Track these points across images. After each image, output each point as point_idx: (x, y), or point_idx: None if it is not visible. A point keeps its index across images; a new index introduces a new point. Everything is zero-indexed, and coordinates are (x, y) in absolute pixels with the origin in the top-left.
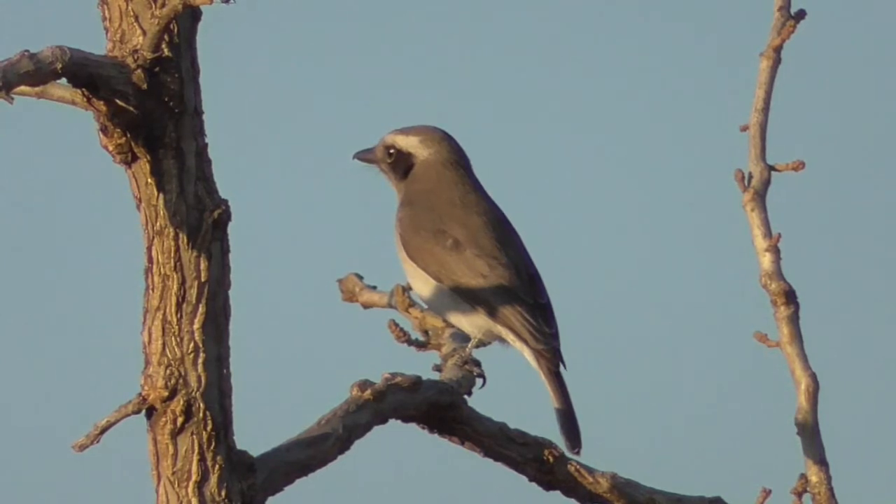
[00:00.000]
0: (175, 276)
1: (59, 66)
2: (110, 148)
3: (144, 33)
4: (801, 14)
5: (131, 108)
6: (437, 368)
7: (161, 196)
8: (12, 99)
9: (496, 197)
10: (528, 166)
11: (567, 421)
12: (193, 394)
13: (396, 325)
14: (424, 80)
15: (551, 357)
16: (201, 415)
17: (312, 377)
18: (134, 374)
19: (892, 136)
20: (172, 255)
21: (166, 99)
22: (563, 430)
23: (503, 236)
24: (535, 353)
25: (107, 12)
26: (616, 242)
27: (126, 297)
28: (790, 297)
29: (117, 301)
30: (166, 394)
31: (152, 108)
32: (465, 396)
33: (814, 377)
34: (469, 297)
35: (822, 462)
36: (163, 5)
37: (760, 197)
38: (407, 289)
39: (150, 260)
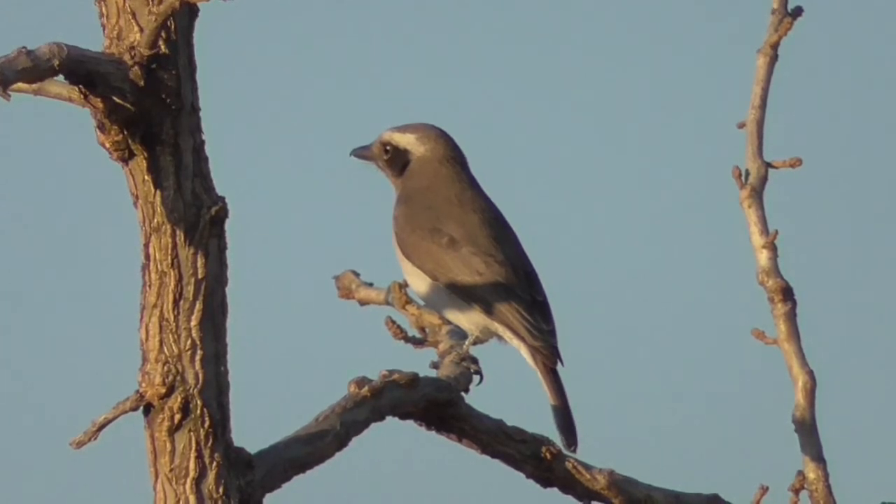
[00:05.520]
0: (172, 273)
1: (56, 62)
2: (107, 145)
3: (142, 30)
4: (797, 11)
5: (128, 105)
6: (435, 366)
7: (158, 193)
8: (9, 96)
9: (492, 194)
10: (525, 163)
11: (563, 418)
12: (191, 391)
13: (394, 322)
14: (423, 77)
15: (548, 354)
16: (199, 412)
17: (310, 374)
18: (131, 371)
19: (890, 133)
20: (170, 251)
21: (163, 96)
22: (560, 427)
23: (499, 233)
24: (532, 349)
25: (104, 9)
26: (613, 239)
27: (123, 294)
28: (787, 293)
29: (114, 298)
30: (164, 391)
31: (149, 105)
32: (463, 393)
33: (811, 374)
34: (465, 295)
35: (819, 459)
36: (160, 2)
37: (757, 194)
38: (404, 286)
39: (147, 257)
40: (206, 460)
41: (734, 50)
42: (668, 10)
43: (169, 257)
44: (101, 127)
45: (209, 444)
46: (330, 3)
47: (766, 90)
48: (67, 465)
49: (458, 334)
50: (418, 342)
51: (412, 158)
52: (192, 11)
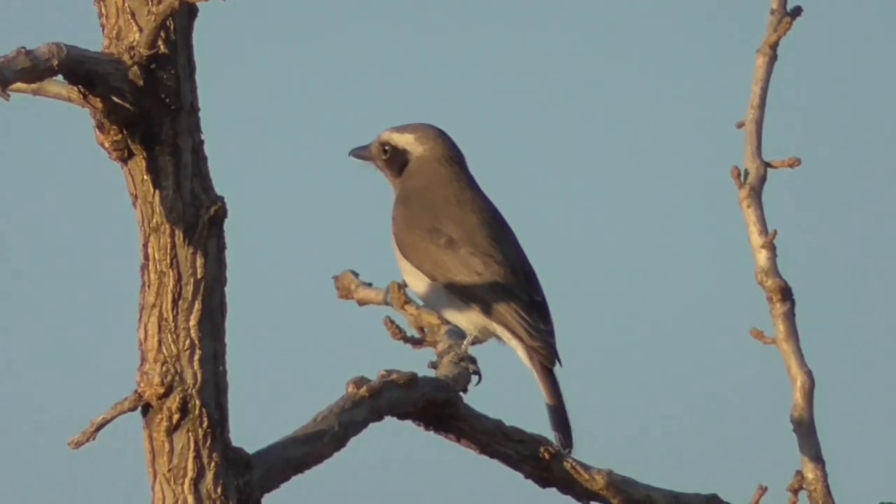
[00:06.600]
0: (171, 273)
1: (55, 62)
2: (106, 145)
3: (141, 30)
4: (796, 11)
5: (128, 105)
6: (433, 365)
7: (157, 193)
8: (9, 96)
9: (491, 194)
10: (524, 163)
11: (559, 418)
12: (189, 391)
13: (392, 322)
14: (423, 77)
15: (546, 354)
16: (197, 412)
17: (308, 374)
18: (130, 371)
19: (889, 132)
20: (169, 251)
21: (163, 96)
22: (556, 428)
23: (498, 234)
24: (529, 349)
25: (103, 9)
26: (612, 239)
27: (122, 294)
28: (786, 293)
29: (113, 298)
30: (162, 391)
31: (149, 105)
32: (462, 393)
33: (810, 374)
34: (464, 295)
35: (818, 459)
36: (159, 2)
37: (756, 194)
38: (403, 286)
39: (146, 257)
40: (205, 460)
41: (733, 50)
42: (667, 10)
43: (168, 257)
44: (100, 127)
45: (207, 444)
46: (330, 3)
47: (765, 90)
48: (66, 466)
49: (457, 334)
50: (417, 342)
51: (411, 158)
52: (192, 11)
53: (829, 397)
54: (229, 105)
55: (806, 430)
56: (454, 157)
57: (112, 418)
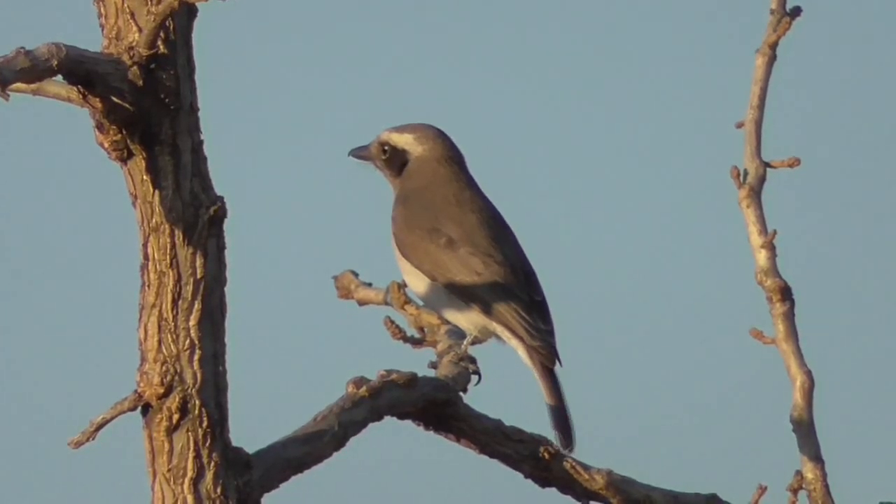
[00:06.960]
0: (171, 273)
1: (55, 62)
2: (106, 145)
3: (140, 30)
4: (796, 11)
5: (127, 105)
6: (433, 365)
7: (157, 193)
8: (8, 96)
9: (491, 194)
10: (524, 163)
11: (560, 418)
12: (189, 391)
13: (392, 321)
14: (422, 77)
15: (546, 354)
16: (197, 412)
17: (308, 374)
18: (130, 371)
19: (888, 132)
20: (168, 251)
21: (162, 96)
22: (556, 427)
23: (498, 234)
24: (530, 349)
25: (103, 9)
26: (612, 240)
27: (122, 294)
28: (786, 293)
29: (113, 298)
30: (162, 391)
31: (148, 105)
32: (461, 393)
33: (809, 374)
34: (464, 295)
35: (817, 459)
36: (158, 2)
37: (756, 194)
38: (403, 285)
39: (146, 256)
40: (205, 460)
41: (733, 50)
42: (667, 10)
43: (168, 257)
44: (99, 127)
45: (207, 444)
46: (329, 3)
47: (764, 90)
48: (65, 465)
49: (457, 334)
50: (417, 342)
51: (410, 158)
52: (191, 11)
53: (828, 397)
54: (229, 105)
55: (805, 429)
56: (453, 157)
57: (112, 418)
